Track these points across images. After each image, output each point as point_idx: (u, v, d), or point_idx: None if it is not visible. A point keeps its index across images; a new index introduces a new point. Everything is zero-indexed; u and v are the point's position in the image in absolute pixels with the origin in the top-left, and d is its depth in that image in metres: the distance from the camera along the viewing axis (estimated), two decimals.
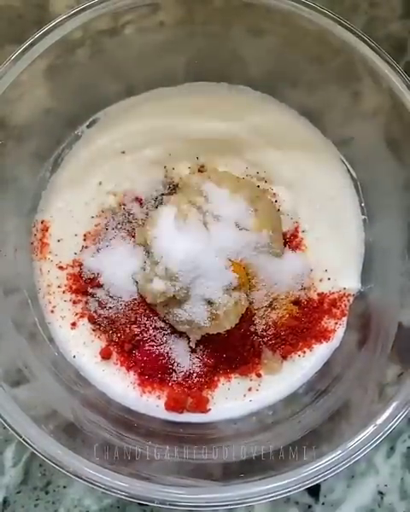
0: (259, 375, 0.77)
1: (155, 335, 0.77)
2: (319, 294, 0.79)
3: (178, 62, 0.76)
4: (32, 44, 0.66)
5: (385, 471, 0.81)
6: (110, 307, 0.77)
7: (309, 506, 0.80)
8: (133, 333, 0.77)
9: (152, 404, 0.76)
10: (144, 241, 0.75)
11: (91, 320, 0.78)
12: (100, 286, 0.77)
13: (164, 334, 0.77)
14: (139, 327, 0.77)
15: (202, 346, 0.76)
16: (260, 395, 0.77)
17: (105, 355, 0.77)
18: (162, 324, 0.77)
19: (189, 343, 0.76)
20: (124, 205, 0.79)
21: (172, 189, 0.79)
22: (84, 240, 0.79)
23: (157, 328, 0.77)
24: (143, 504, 0.76)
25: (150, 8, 0.69)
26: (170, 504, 0.60)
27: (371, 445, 0.62)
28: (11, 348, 0.70)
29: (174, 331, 0.76)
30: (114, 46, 0.72)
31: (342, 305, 0.78)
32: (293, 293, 0.77)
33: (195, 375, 0.77)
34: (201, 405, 0.76)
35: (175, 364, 0.76)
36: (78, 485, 0.79)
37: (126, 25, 0.70)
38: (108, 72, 0.75)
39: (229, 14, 0.70)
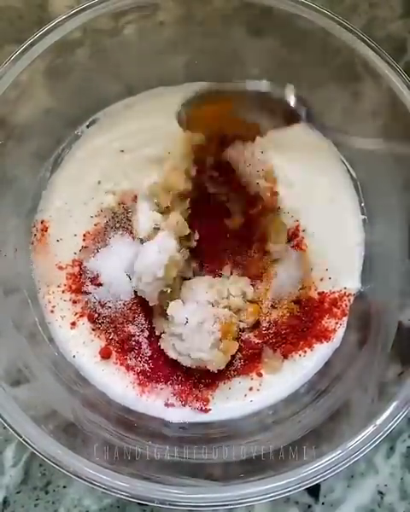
0: (260, 375, 0.77)
1: (154, 334, 0.77)
2: (319, 294, 0.79)
3: (178, 62, 0.76)
4: (32, 44, 0.66)
5: (385, 471, 0.81)
6: (109, 307, 0.77)
7: (309, 506, 0.80)
8: (130, 333, 0.77)
9: (152, 404, 0.76)
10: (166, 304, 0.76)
11: (91, 319, 0.78)
12: (99, 285, 0.77)
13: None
14: (138, 327, 0.77)
15: None
16: (261, 395, 0.77)
17: (105, 355, 0.77)
18: None
19: None
20: (123, 204, 0.79)
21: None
22: (84, 239, 0.79)
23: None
24: (143, 504, 0.76)
25: (150, 8, 0.70)
26: (170, 504, 0.60)
27: (371, 444, 0.62)
28: (11, 348, 0.70)
29: None
30: (114, 46, 0.72)
31: (343, 305, 0.78)
32: (294, 292, 0.77)
33: (196, 374, 0.77)
34: (201, 405, 0.76)
35: (175, 364, 0.76)
36: (78, 485, 0.79)
37: (126, 25, 0.70)
38: (108, 72, 0.75)
39: (229, 14, 0.70)
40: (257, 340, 0.77)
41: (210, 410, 0.76)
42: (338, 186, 0.80)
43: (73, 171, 0.79)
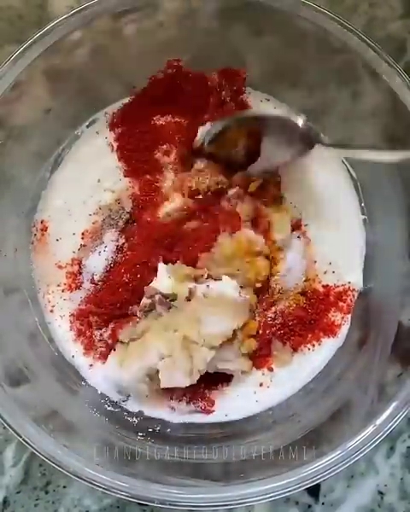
0: (270, 370, 0.77)
1: None
2: (324, 286, 0.79)
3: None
4: (32, 44, 0.66)
5: (385, 471, 0.81)
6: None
7: (309, 506, 0.80)
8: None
9: (152, 404, 0.76)
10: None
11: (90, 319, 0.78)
12: (98, 283, 0.77)
13: None
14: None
15: None
16: (270, 393, 0.76)
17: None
18: None
19: None
20: (119, 201, 0.79)
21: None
22: (82, 238, 0.79)
23: None
24: (143, 504, 0.76)
25: (150, 8, 0.70)
26: (170, 504, 0.60)
27: (371, 444, 0.62)
28: (11, 348, 0.70)
29: None
30: (114, 46, 0.72)
31: (348, 299, 0.79)
32: (299, 283, 0.78)
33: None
34: (205, 406, 0.76)
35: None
36: (78, 485, 0.79)
37: (126, 25, 0.70)
38: (108, 72, 0.75)
39: (229, 14, 0.70)
40: (266, 331, 0.77)
41: (214, 411, 0.76)
42: (338, 186, 0.80)
43: (72, 170, 0.79)
